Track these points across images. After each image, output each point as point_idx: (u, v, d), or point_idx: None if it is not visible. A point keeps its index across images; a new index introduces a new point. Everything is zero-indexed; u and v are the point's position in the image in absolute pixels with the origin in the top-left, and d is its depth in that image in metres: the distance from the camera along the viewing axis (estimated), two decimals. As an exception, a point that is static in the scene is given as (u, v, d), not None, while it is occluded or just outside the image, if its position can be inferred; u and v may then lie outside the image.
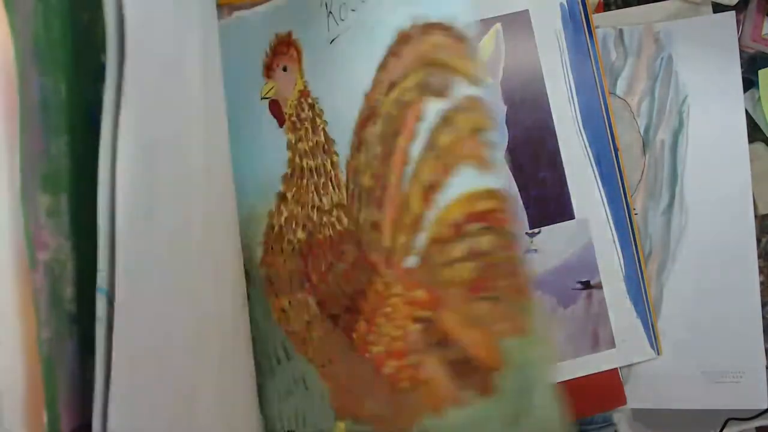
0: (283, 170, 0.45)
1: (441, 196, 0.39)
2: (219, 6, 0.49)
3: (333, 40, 0.43)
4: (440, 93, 0.39)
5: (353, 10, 0.42)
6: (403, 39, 0.40)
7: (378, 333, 0.40)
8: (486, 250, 0.38)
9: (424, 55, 0.39)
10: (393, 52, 0.41)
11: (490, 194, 0.38)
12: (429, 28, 0.39)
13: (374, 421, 0.41)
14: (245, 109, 0.46)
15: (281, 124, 0.46)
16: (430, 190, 0.39)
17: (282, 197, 0.45)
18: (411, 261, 0.39)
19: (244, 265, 0.46)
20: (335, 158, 0.43)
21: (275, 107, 0.46)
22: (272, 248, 0.46)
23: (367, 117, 0.42)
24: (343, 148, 0.43)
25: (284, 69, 0.45)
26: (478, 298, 0.38)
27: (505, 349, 0.37)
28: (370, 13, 0.41)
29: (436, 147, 0.39)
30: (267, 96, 0.46)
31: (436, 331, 0.39)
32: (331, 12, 0.42)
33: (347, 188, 0.42)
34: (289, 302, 0.45)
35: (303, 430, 0.45)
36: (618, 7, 0.49)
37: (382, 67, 0.41)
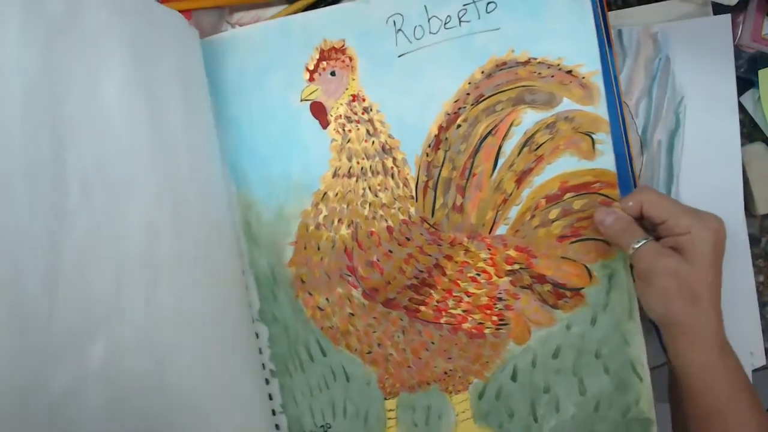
0: (323, 170, 0.45)
1: (537, 178, 0.44)
2: (220, 6, 0.49)
3: (402, 55, 0.45)
4: (543, 108, 0.44)
5: (432, 33, 0.44)
6: (499, 64, 0.44)
7: (460, 296, 0.45)
8: (577, 210, 0.44)
9: (525, 79, 0.44)
10: (484, 71, 0.44)
11: (588, 171, 0.43)
12: (533, 60, 0.44)
13: (439, 380, 0.46)
14: (272, 113, 0.46)
15: (324, 126, 0.46)
16: (525, 174, 0.44)
17: (322, 196, 0.45)
18: (500, 230, 0.44)
19: (270, 266, 0.46)
20: (400, 156, 0.45)
21: (319, 110, 0.45)
22: (305, 247, 0.45)
23: (449, 121, 0.45)
24: (411, 147, 0.45)
25: (332, 74, 0.45)
26: (568, 242, 0.44)
27: (592, 269, 0.44)
28: (458, 40, 0.44)
29: (534, 144, 0.44)
30: (308, 99, 0.45)
31: (526, 276, 0.44)
32: (401, 30, 0.45)
33: (417, 181, 0.45)
34: (327, 299, 0.45)
35: (342, 420, 0.46)
36: (618, 8, 0.48)
37: (469, 82, 0.44)
